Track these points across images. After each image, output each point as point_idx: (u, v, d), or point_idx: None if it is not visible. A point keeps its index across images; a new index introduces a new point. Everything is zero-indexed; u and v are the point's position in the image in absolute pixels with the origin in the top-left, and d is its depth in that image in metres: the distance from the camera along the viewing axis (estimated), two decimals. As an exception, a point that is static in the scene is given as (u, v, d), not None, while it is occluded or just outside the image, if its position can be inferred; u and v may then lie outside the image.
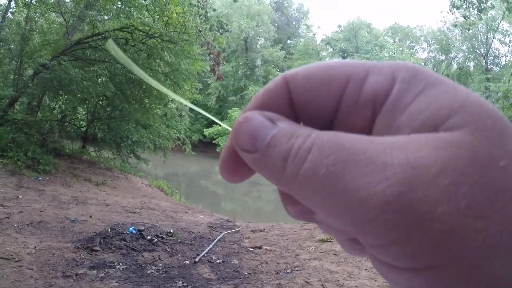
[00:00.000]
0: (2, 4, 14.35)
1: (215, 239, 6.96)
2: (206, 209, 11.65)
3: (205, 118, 42.21)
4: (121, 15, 13.29)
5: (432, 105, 0.24)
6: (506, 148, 0.22)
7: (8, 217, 6.45)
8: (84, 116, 16.34)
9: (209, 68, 24.00)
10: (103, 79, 13.42)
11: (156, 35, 12.30)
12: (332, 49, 50.44)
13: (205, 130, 38.20)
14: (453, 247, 0.21)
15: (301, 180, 0.24)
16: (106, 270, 4.91)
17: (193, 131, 37.89)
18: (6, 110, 11.28)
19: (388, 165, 0.22)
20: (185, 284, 4.86)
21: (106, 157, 15.31)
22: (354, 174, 0.23)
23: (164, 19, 13.05)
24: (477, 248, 0.21)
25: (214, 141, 37.09)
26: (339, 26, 54.53)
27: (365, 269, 5.39)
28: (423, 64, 50.16)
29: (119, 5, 13.73)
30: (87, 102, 14.23)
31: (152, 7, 13.26)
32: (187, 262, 5.66)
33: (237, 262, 5.93)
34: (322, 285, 4.92)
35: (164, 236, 6.52)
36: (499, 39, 44.09)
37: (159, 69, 13.75)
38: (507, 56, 45.07)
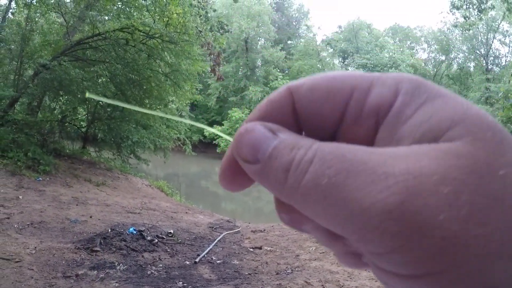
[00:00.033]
0: (3, 4, 14.38)
1: (215, 239, 6.95)
2: (206, 210, 11.65)
3: (205, 118, 42.25)
4: (122, 16, 13.29)
5: (433, 117, 0.25)
6: (505, 158, 0.22)
7: (8, 218, 6.45)
8: (84, 117, 16.33)
9: (209, 69, 24.04)
10: (104, 79, 13.43)
11: (157, 35, 12.31)
12: (332, 49, 50.45)
13: (205, 130, 38.24)
14: (455, 254, 0.21)
15: (303, 191, 0.25)
16: (107, 271, 4.91)
17: (193, 132, 37.83)
18: (7, 111, 11.28)
19: (389, 174, 0.22)
20: (185, 284, 4.86)
21: (107, 157, 15.30)
22: (356, 184, 0.23)
23: (164, 20, 13.05)
24: (478, 254, 0.21)
25: (214, 142, 37.07)
26: (340, 27, 54.58)
27: (366, 270, 5.38)
28: (423, 64, 50.22)
29: (120, 6, 13.73)
30: (87, 102, 14.22)
31: (153, 8, 13.26)
32: (187, 262, 5.66)
33: (237, 262, 5.93)
34: (322, 285, 4.91)
35: (164, 237, 6.52)
36: (499, 40, 44.09)
37: (160, 69, 13.76)
38: (507, 56, 45.05)
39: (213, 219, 9.06)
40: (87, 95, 0.39)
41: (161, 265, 5.42)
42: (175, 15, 13.01)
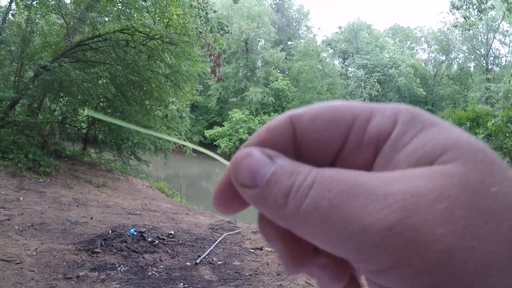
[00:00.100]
0: (3, 6, 14.38)
1: (216, 240, 6.95)
2: (207, 211, 11.64)
3: (205, 119, 42.28)
4: (122, 17, 13.28)
5: (427, 144, 0.26)
6: (496, 177, 0.24)
7: (9, 219, 6.45)
8: (84, 118, 16.33)
9: (209, 70, 24.05)
10: (104, 80, 13.41)
11: (157, 36, 12.31)
12: (332, 50, 50.46)
13: (205, 131, 38.24)
14: (453, 266, 0.22)
15: (303, 214, 0.25)
16: (107, 272, 4.91)
17: (194, 133, 37.93)
18: (7, 112, 11.29)
19: (388, 194, 0.24)
20: (186, 285, 4.85)
21: (107, 158, 15.30)
22: (357, 204, 0.24)
23: (164, 21, 13.06)
24: (475, 267, 0.22)
25: (214, 143, 37.11)
26: (340, 27, 54.62)
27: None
28: (423, 64, 50.23)
29: (120, 7, 13.73)
30: (87, 103, 14.20)
31: (153, 9, 13.27)
32: (188, 263, 5.66)
33: (238, 263, 5.92)
34: (323, 286, 4.90)
35: (165, 238, 6.52)
36: (499, 40, 44.10)
37: (160, 70, 13.75)
38: (507, 56, 45.07)
39: (213, 220, 9.05)
40: (86, 112, 0.40)
41: (162, 266, 5.42)
42: (175, 16, 13.02)
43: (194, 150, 20.15)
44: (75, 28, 13.07)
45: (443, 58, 51.04)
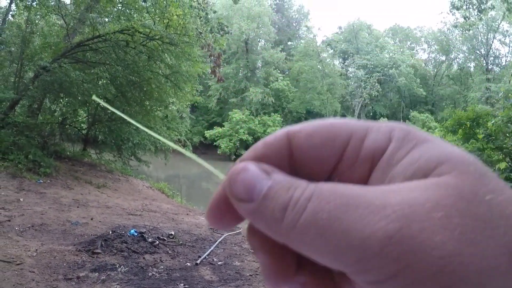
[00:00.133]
0: (3, 6, 14.41)
1: (216, 241, 6.95)
2: (207, 211, 11.63)
3: (206, 120, 42.29)
4: (122, 18, 13.29)
5: (422, 158, 0.27)
6: (489, 186, 0.25)
7: (9, 220, 6.45)
8: (85, 119, 16.34)
9: (209, 70, 24.04)
10: (104, 81, 13.41)
11: (157, 37, 12.31)
12: (332, 50, 50.49)
13: (206, 132, 38.26)
14: (453, 272, 0.23)
15: (302, 228, 0.26)
16: (108, 273, 4.91)
17: (194, 133, 37.93)
18: (7, 113, 11.29)
19: (386, 205, 0.24)
20: (186, 286, 4.85)
21: (107, 159, 15.29)
22: (356, 216, 0.24)
23: (164, 21, 13.07)
24: (475, 271, 0.23)
25: (215, 143, 37.12)
26: (340, 28, 54.63)
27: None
28: (423, 64, 50.26)
29: (120, 8, 13.74)
30: (87, 104, 14.23)
31: (153, 9, 13.28)
32: (188, 264, 5.66)
33: (238, 264, 5.92)
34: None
35: (165, 238, 6.51)
36: (500, 40, 44.14)
37: (160, 71, 13.76)
38: (507, 56, 45.12)
39: (214, 221, 9.04)
40: (93, 97, 0.40)
41: (162, 266, 5.42)
42: (175, 16, 13.03)
43: (195, 151, 20.14)
44: (75, 28, 13.07)
45: (443, 58, 51.08)
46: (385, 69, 45.25)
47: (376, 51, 47.34)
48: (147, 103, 14.74)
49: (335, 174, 0.31)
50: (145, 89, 13.93)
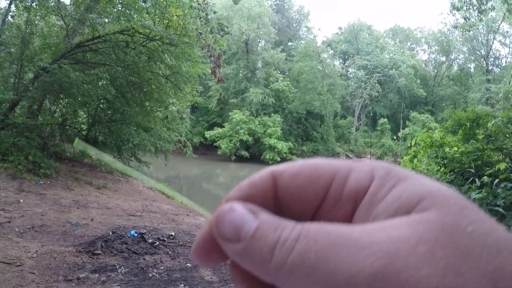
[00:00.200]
0: (2, 7, 14.41)
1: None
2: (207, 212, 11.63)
3: (206, 121, 42.30)
4: (122, 18, 13.28)
5: (403, 195, 0.28)
6: (470, 218, 0.26)
7: (9, 221, 6.45)
8: (85, 120, 16.33)
9: (210, 71, 24.01)
10: (104, 82, 13.40)
11: (157, 37, 12.31)
12: (333, 51, 50.55)
13: (206, 132, 38.28)
14: None
15: (289, 268, 0.26)
16: (108, 274, 4.90)
17: (194, 134, 37.93)
18: (7, 114, 11.28)
19: (372, 243, 0.25)
20: (187, 287, 4.85)
21: (107, 160, 15.26)
22: (343, 255, 0.25)
23: (164, 22, 13.07)
24: None
25: (215, 144, 37.13)
26: (340, 28, 54.75)
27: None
28: (423, 65, 50.28)
29: (120, 8, 13.73)
30: (87, 105, 14.22)
31: (153, 10, 13.28)
32: (188, 265, 5.65)
33: (238, 264, 5.91)
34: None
35: (165, 239, 6.51)
36: (500, 41, 44.17)
37: (160, 71, 13.76)
38: (507, 57, 45.17)
39: (214, 221, 9.04)
40: (75, 143, 0.40)
41: (162, 267, 5.41)
42: (175, 17, 13.03)
43: (195, 151, 20.14)
44: (74, 29, 13.07)
45: (443, 59, 51.11)
46: (385, 69, 45.31)
47: (376, 51, 47.41)
48: (147, 104, 14.73)
49: (319, 213, 0.32)
50: (145, 89, 13.91)
